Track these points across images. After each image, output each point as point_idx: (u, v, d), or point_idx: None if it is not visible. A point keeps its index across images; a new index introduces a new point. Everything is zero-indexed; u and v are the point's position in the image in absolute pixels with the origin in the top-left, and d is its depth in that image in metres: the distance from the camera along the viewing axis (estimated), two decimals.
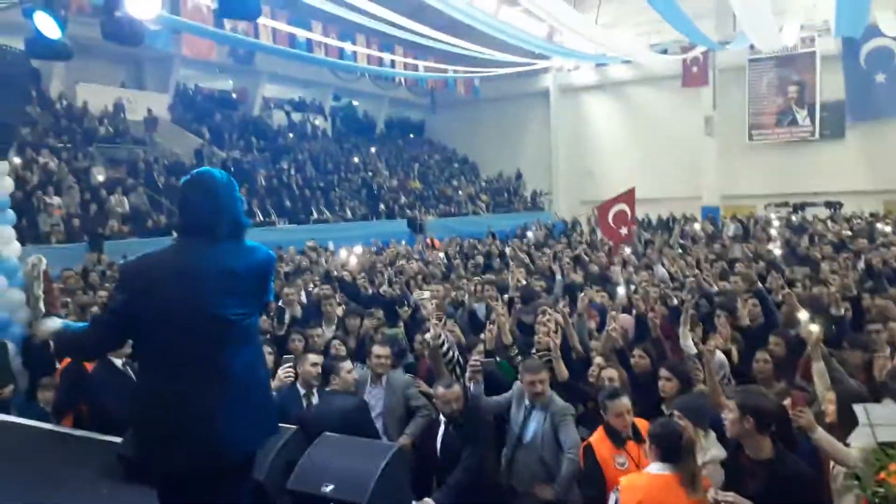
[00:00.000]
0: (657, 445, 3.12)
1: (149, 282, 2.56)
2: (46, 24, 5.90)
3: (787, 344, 4.89)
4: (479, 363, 4.27)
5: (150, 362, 2.59)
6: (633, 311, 6.41)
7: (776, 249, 9.64)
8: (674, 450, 3.07)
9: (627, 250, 10.17)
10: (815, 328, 4.16)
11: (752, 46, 20.35)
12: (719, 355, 4.61)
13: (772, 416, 3.12)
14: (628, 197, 11.96)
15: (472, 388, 4.24)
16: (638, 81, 27.40)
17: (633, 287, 7.78)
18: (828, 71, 23.84)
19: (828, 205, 21.74)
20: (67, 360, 5.45)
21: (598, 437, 3.54)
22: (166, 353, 2.54)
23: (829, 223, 16.38)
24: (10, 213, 7.07)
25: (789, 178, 24.30)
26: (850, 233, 13.47)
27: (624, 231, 11.52)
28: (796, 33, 22.16)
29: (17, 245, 7.14)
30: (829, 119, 24.39)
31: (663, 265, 8.78)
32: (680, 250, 11.09)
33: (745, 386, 3.45)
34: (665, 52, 23.56)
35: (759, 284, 6.60)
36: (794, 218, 18.79)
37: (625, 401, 3.62)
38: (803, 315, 4.62)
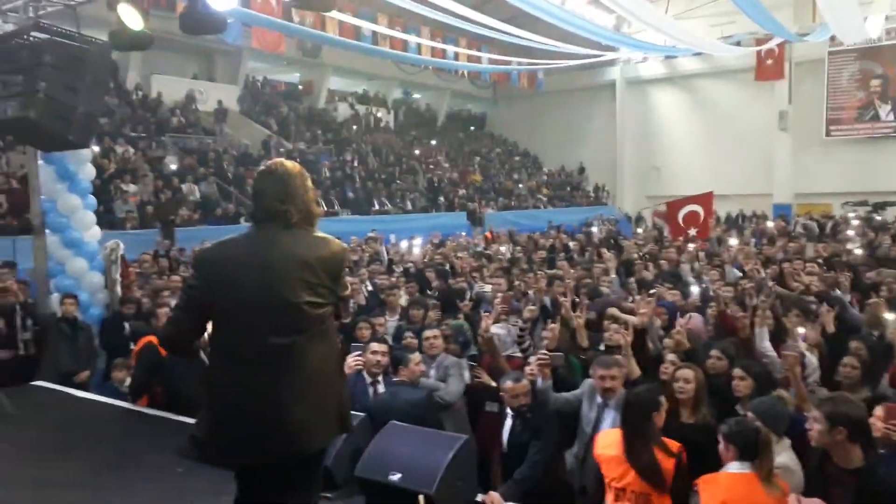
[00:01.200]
0: (735, 445, 3.04)
1: (221, 269, 2.58)
2: (130, 16, 6.10)
3: (869, 349, 4.62)
4: (546, 357, 4.19)
5: (224, 350, 2.58)
6: (707, 311, 6.20)
7: (857, 250, 9.13)
8: (752, 448, 3.01)
9: (691, 247, 9.83)
10: None
11: (832, 38, 19.41)
12: (812, 358, 4.40)
13: (864, 424, 2.96)
14: (704, 199, 11.65)
15: (539, 383, 4.17)
16: (708, 74, 26.58)
17: (704, 286, 7.55)
18: None
19: None
20: (144, 340, 5.63)
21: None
22: (238, 342, 2.54)
23: None
24: (92, 199, 7.39)
25: (869, 176, 23.14)
26: None
27: (692, 232, 11.24)
28: (881, 24, 21.10)
29: (96, 230, 7.46)
30: None
31: (737, 266, 8.44)
32: (755, 249, 10.68)
33: (830, 395, 3.25)
34: (738, 44, 22.69)
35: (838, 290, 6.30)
36: (877, 217, 17.87)
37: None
38: (890, 316, 4.35)
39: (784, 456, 3.27)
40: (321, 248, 2.61)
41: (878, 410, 3.33)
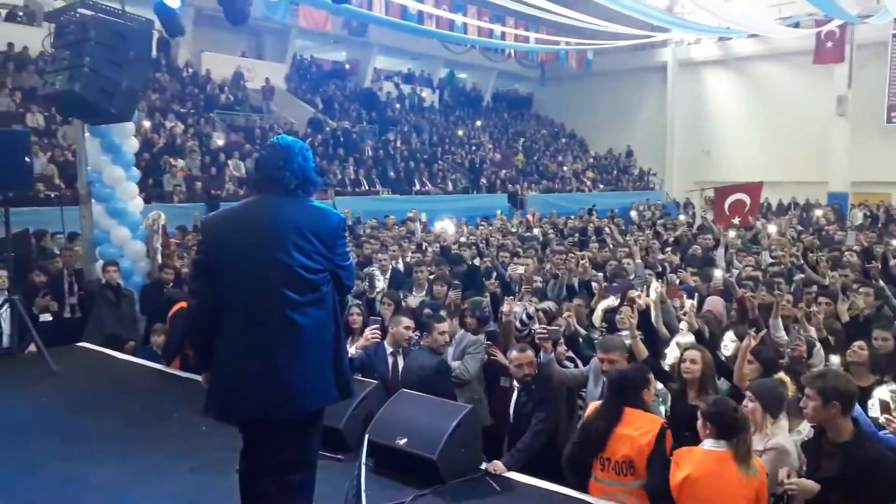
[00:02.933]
0: (712, 423, 3.10)
1: (221, 232, 2.78)
2: None
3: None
4: (545, 331, 4.28)
5: (227, 311, 2.72)
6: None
7: (895, 241, 8.89)
8: (729, 427, 3.06)
9: (732, 234, 9.69)
10: None
11: None
12: (817, 345, 4.35)
13: (855, 397, 2.99)
14: (753, 189, 11.52)
15: (541, 356, 4.26)
16: (764, 57, 25.72)
17: (736, 272, 7.45)
18: None
19: None
20: (178, 306, 5.89)
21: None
22: (238, 301, 2.69)
23: None
24: (135, 171, 7.68)
25: None
26: None
27: (736, 221, 11.10)
28: None
29: (139, 200, 7.77)
30: None
31: (771, 253, 8.29)
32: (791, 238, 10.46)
33: (820, 371, 3.24)
34: (797, 25, 21.91)
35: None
36: None
37: None
38: None
39: (781, 437, 3.28)
40: (315, 216, 2.75)
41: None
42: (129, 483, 3.67)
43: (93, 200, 7.33)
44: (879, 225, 14.46)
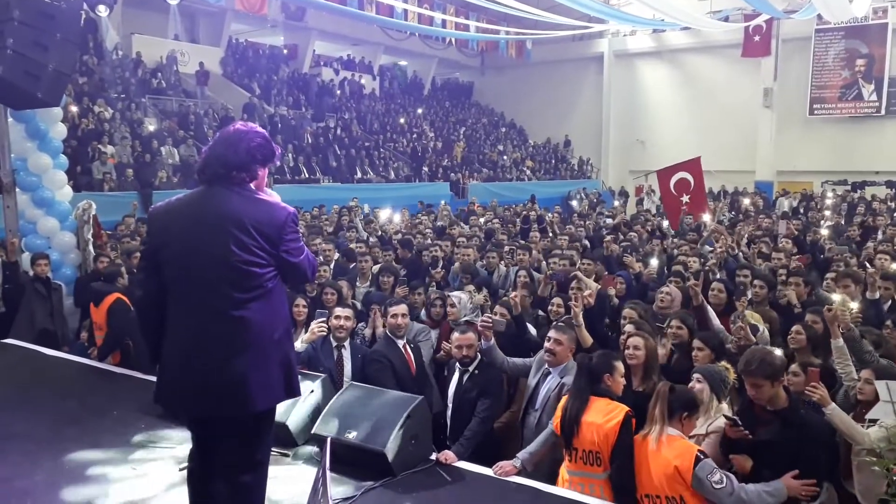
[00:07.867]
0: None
1: (165, 223, 2.68)
2: None
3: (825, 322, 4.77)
4: (489, 320, 4.33)
5: (172, 305, 2.64)
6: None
7: (823, 229, 9.35)
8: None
9: (665, 223, 9.93)
10: (833, 307, 4.09)
11: (819, 16, 19.42)
12: (760, 328, 4.54)
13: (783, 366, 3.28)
14: (693, 165, 11.48)
15: (482, 343, 4.29)
16: (696, 49, 26.52)
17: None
18: None
19: (889, 184, 20.87)
20: (111, 299, 5.67)
21: None
22: (180, 298, 2.61)
23: (890, 203, 15.82)
24: (63, 158, 7.33)
25: (850, 156, 23.41)
26: None
27: (685, 199, 11.03)
28: (868, 4, 21.06)
29: (68, 189, 7.43)
30: None
31: (710, 243, 8.58)
32: (728, 224, 10.84)
33: (746, 357, 3.36)
34: (726, 19, 22.68)
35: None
36: (855, 196, 18.08)
37: None
38: (836, 296, 4.53)
39: (721, 420, 3.41)
40: (260, 211, 2.63)
41: (795, 367, 3.78)
42: (67, 484, 3.53)
43: (17, 189, 6.96)
44: (800, 212, 15.14)
